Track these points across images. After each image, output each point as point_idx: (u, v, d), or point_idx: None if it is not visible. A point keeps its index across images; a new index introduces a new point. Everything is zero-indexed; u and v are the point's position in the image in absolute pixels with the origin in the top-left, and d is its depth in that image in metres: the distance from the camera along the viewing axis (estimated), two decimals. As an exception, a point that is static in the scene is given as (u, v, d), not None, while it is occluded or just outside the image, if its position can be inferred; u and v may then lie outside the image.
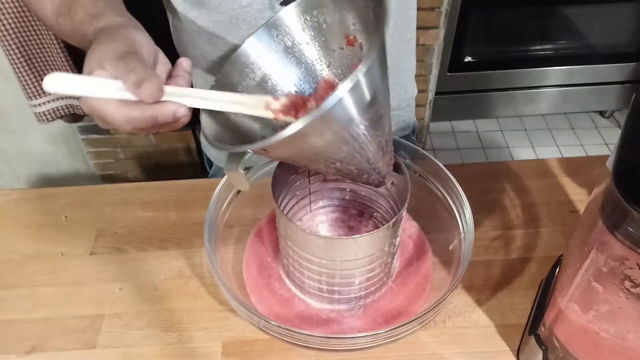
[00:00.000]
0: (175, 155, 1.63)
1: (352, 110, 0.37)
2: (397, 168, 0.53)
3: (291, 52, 0.49)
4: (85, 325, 0.57)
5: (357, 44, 0.46)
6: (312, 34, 0.49)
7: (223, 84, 0.48)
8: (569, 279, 0.44)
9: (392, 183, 0.56)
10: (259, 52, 0.49)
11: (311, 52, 0.49)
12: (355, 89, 0.34)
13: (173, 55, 0.71)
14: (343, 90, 0.33)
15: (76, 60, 1.31)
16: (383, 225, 0.49)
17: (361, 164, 0.44)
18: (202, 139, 0.86)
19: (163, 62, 0.44)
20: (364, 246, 0.49)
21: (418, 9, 0.70)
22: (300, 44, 0.49)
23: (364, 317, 0.55)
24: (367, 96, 0.37)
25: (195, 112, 0.87)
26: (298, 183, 0.58)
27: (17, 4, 1.17)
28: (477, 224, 0.64)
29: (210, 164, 0.88)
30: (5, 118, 1.48)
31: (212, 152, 0.85)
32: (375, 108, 0.39)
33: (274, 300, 0.57)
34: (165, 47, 0.74)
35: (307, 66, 0.50)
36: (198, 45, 0.66)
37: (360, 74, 0.34)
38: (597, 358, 0.45)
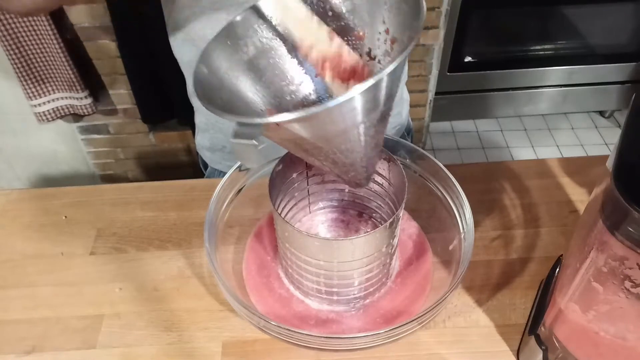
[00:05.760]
0: (175, 155, 1.63)
1: (380, 97, 0.38)
2: (394, 169, 0.53)
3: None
4: (85, 325, 0.57)
5: (366, 38, 0.46)
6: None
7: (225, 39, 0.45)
8: (569, 279, 0.44)
9: (389, 183, 0.56)
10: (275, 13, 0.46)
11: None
12: (394, 76, 0.36)
13: (169, 53, 0.71)
14: (384, 72, 0.34)
15: (77, 60, 1.31)
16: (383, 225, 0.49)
17: (356, 159, 0.44)
18: (197, 141, 0.85)
19: None
20: (361, 247, 0.49)
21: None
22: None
23: (363, 317, 0.55)
24: (392, 89, 0.38)
25: (191, 113, 0.86)
26: (296, 185, 0.58)
27: (17, 4, 1.17)
28: (477, 224, 0.64)
29: (206, 166, 0.88)
30: (5, 118, 1.49)
31: (206, 154, 0.84)
32: (389, 105, 0.41)
33: (274, 301, 0.57)
34: (162, 45, 0.74)
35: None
36: (194, 43, 0.66)
37: (400, 58, 0.35)
38: (597, 358, 0.45)
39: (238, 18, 0.45)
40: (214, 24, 0.62)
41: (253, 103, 0.46)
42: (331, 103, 0.34)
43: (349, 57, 0.46)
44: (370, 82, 0.34)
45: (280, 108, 0.48)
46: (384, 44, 0.45)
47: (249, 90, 0.46)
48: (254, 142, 0.36)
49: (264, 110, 0.47)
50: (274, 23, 0.46)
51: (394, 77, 0.37)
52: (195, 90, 0.40)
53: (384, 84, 0.37)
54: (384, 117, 0.42)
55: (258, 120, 0.36)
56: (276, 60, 0.47)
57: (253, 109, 0.46)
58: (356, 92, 0.34)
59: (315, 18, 0.46)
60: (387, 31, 0.44)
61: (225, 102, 0.43)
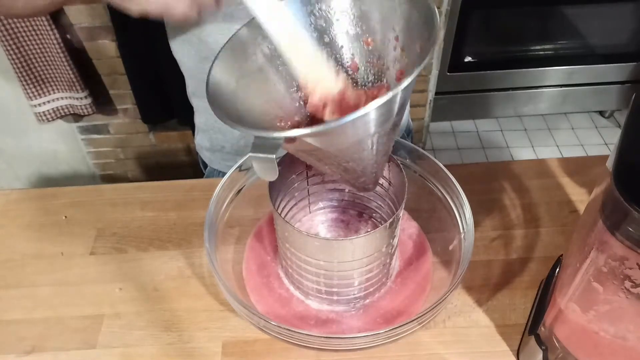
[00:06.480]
0: (175, 155, 1.63)
1: (393, 108, 0.38)
2: (394, 169, 0.53)
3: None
4: (85, 325, 0.57)
5: (375, 45, 0.46)
6: (323, 25, 0.47)
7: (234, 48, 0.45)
8: (569, 279, 0.44)
9: (389, 183, 0.56)
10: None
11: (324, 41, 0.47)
12: (407, 88, 0.36)
13: (169, 53, 0.71)
14: (404, 83, 0.35)
15: (77, 60, 1.31)
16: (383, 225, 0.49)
17: (367, 166, 0.44)
18: (196, 141, 0.85)
19: None
20: (361, 247, 0.49)
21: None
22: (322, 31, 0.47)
23: (364, 317, 0.55)
24: (404, 99, 0.39)
25: (191, 114, 0.86)
26: (296, 185, 0.58)
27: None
28: (477, 224, 0.64)
29: (205, 166, 0.88)
30: (5, 118, 1.49)
31: (205, 154, 0.84)
32: (401, 114, 0.41)
33: (274, 301, 0.57)
34: (162, 45, 0.74)
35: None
36: (192, 45, 0.66)
37: (416, 72, 0.35)
38: (597, 358, 0.45)
39: (243, 28, 0.45)
40: (211, 26, 0.62)
41: (264, 111, 0.46)
42: (348, 118, 0.34)
43: (352, 95, 0.45)
44: (387, 97, 0.34)
45: (290, 117, 0.48)
46: (394, 51, 0.45)
47: (260, 98, 0.46)
48: (273, 156, 0.36)
49: (275, 119, 0.47)
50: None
51: (408, 88, 0.37)
52: (210, 102, 0.40)
53: (398, 97, 0.37)
54: (395, 126, 0.43)
55: (277, 135, 0.36)
56: (285, 67, 0.47)
57: (266, 118, 0.46)
58: (372, 107, 0.34)
59: (323, 55, 0.45)
60: (396, 39, 0.44)
61: (238, 112, 0.43)
